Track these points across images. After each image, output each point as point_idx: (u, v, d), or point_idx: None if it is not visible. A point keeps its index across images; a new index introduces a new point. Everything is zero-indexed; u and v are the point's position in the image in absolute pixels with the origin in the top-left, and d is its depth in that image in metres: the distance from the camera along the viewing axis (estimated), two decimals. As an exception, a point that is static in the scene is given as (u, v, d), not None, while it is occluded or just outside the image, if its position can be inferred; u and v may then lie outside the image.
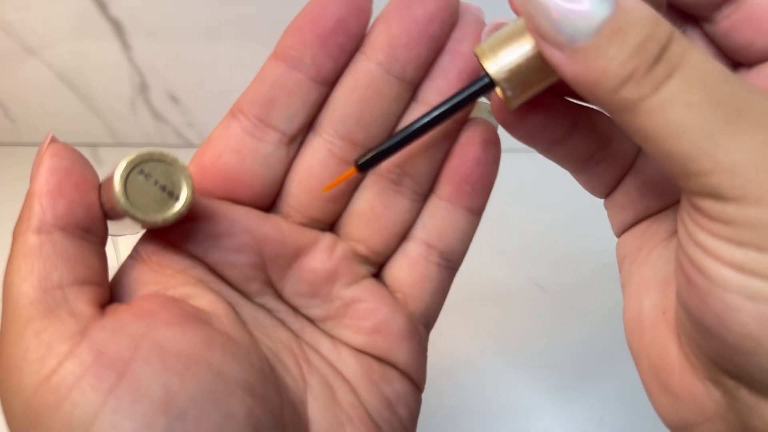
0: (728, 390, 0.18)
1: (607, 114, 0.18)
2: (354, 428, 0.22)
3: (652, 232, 0.23)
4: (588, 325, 0.40)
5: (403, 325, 0.24)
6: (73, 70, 0.53)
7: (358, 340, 0.24)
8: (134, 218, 0.20)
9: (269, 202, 0.24)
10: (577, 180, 0.24)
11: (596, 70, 0.16)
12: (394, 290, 0.25)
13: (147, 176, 0.20)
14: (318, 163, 0.23)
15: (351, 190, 0.24)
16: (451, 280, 0.26)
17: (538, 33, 0.17)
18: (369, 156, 0.22)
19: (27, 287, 0.18)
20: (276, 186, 0.23)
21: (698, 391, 0.19)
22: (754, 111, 0.16)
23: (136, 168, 0.20)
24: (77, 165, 0.20)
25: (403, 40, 0.22)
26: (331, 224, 0.25)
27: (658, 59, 0.16)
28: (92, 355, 0.18)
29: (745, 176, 0.15)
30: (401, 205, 0.24)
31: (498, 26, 0.20)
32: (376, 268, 0.25)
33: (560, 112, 0.21)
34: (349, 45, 0.22)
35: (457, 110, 0.21)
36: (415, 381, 0.25)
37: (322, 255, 0.24)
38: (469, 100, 0.21)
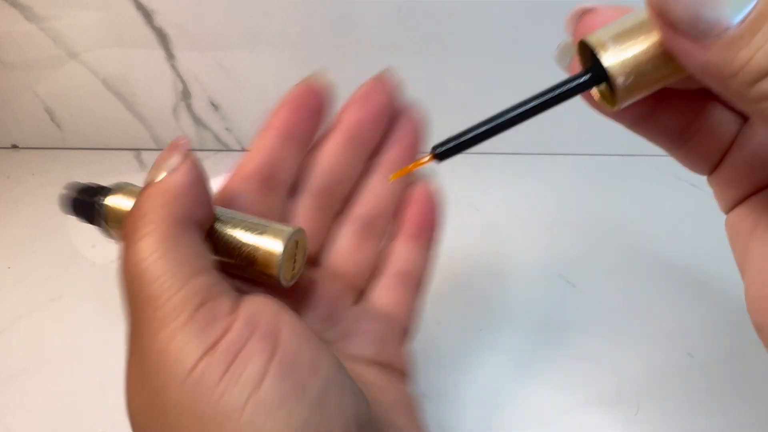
0: None
1: (731, 101, 0.17)
2: (397, 415, 0.26)
3: None
4: (618, 317, 0.41)
5: (398, 336, 0.29)
6: (118, 77, 0.55)
7: (369, 351, 0.27)
8: (277, 281, 0.23)
9: None
10: (676, 158, 0.23)
11: (737, 61, 0.14)
12: (381, 311, 0.29)
13: (296, 245, 0.24)
14: (305, 210, 0.28)
15: (329, 235, 0.30)
16: (422, 296, 0.31)
17: (670, 20, 0.15)
18: (447, 146, 0.20)
19: (179, 266, 0.20)
20: None
21: None
22: None
23: (291, 241, 0.23)
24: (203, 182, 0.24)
25: (367, 121, 0.29)
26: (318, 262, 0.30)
27: None
28: (249, 327, 0.20)
29: None
30: (373, 243, 0.30)
31: (583, 12, 0.20)
32: (361, 294, 0.30)
33: None
34: (322, 123, 0.29)
35: (551, 106, 0.19)
36: (411, 379, 0.29)
37: (326, 284, 0.28)
38: (569, 95, 0.19)
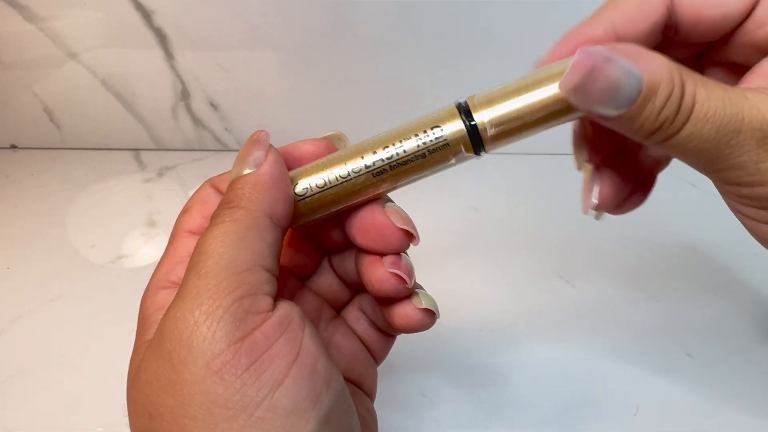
0: None
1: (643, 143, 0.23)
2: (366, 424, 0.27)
3: None
4: (618, 317, 0.41)
5: (368, 356, 0.29)
6: (117, 77, 0.55)
7: (341, 365, 0.28)
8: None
9: None
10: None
11: (635, 125, 0.22)
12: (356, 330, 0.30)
13: None
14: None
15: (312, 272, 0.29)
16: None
17: (594, 114, 0.22)
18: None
19: (248, 256, 0.21)
20: None
21: None
22: (752, 120, 0.21)
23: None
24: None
25: None
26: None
27: (678, 109, 0.21)
28: (280, 329, 0.20)
29: (748, 170, 0.22)
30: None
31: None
32: (338, 313, 0.30)
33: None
34: None
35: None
36: (372, 401, 0.30)
37: (308, 295, 0.29)
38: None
